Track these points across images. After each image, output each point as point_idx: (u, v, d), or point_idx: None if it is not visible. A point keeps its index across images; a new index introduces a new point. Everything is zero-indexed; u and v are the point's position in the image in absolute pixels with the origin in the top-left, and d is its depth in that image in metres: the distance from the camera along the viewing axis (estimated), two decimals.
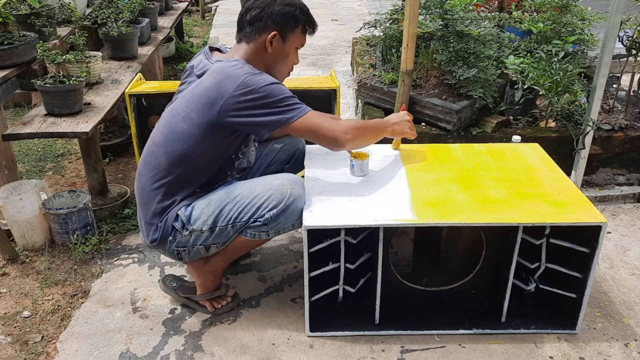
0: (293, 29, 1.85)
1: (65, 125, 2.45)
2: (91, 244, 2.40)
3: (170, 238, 1.86)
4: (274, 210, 1.78)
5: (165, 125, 1.84)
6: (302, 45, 1.93)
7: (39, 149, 3.48)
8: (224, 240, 1.86)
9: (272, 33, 1.82)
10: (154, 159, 1.85)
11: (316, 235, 1.79)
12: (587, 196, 1.91)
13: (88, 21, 3.45)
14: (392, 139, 2.21)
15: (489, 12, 3.63)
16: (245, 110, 1.72)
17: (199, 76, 1.82)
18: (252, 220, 1.80)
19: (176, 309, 2.06)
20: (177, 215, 1.84)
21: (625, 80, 3.17)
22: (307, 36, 1.92)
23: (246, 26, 1.84)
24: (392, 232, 1.88)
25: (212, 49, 1.91)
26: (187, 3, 5.88)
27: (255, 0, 1.84)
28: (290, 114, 1.75)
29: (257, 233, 1.83)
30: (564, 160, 2.72)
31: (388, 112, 3.01)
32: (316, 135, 1.80)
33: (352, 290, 1.93)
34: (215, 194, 1.85)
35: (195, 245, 1.87)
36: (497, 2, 3.92)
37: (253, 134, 1.82)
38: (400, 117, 2.03)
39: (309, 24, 1.89)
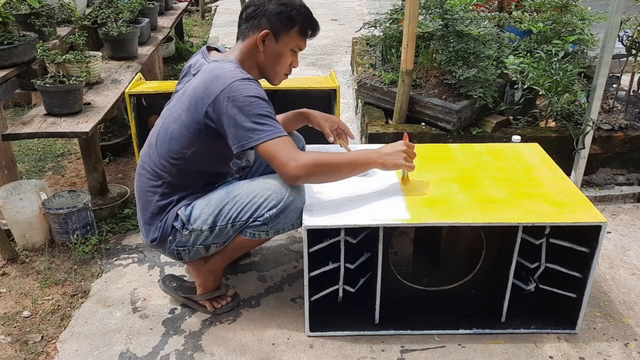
0: (287, 29, 1.80)
1: (65, 125, 2.45)
2: (91, 244, 2.40)
3: (170, 238, 1.86)
4: (274, 210, 1.78)
5: (161, 127, 1.84)
6: (301, 49, 1.87)
7: (39, 149, 3.48)
8: (223, 239, 1.87)
9: (264, 31, 1.78)
10: (151, 159, 1.85)
11: (316, 235, 1.78)
12: (587, 196, 1.91)
13: (88, 21, 3.44)
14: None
15: (489, 12, 3.63)
16: (222, 115, 1.68)
17: (195, 75, 1.82)
18: (251, 219, 1.80)
19: (176, 309, 2.06)
20: (177, 215, 1.84)
21: (625, 80, 3.17)
22: (308, 39, 1.87)
23: (243, 23, 1.83)
24: (392, 232, 1.88)
25: (209, 49, 1.90)
26: (187, 3, 5.88)
27: None
28: (257, 135, 1.67)
29: (256, 232, 1.83)
30: (564, 160, 2.72)
31: (388, 111, 3.02)
32: (272, 164, 1.73)
33: (352, 290, 1.92)
34: (215, 194, 1.85)
35: (195, 245, 1.87)
36: (497, 2, 3.92)
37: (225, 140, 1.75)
38: (395, 145, 1.85)
39: (307, 27, 1.83)
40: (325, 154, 1.78)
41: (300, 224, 1.79)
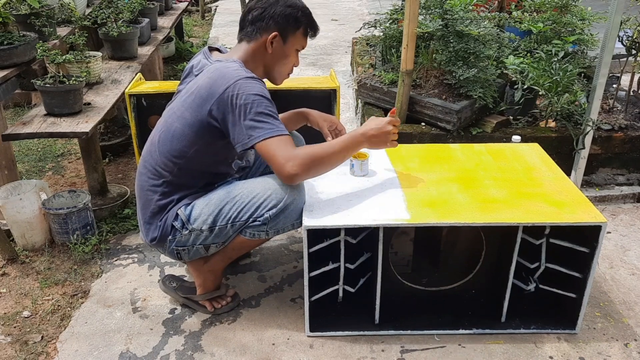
0: (294, 31, 1.84)
1: (65, 125, 2.45)
2: (91, 244, 2.40)
3: (170, 237, 1.86)
4: (273, 210, 1.78)
5: (163, 125, 1.85)
6: (303, 48, 1.91)
7: (39, 149, 3.48)
8: (223, 239, 1.87)
9: (273, 33, 1.81)
10: (152, 158, 1.85)
11: (316, 235, 1.78)
12: (587, 196, 1.91)
13: (88, 21, 3.45)
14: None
15: (488, 12, 3.63)
16: (224, 113, 1.70)
17: (198, 75, 1.82)
18: (251, 219, 1.80)
19: (176, 309, 2.06)
20: (177, 215, 1.84)
21: (625, 80, 3.17)
22: (308, 39, 1.91)
23: (248, 25, 1.83)
24: (392, 232, 1.88)
25: (211, 49, 1.91)
26: (187, 3, 5.88)
27: (258, 0, 1.83)
28: (256, 132, 1.67)
29: (256, 232, 1.83)
30: (564, 160, 2.72)
31: (387, 112, 3.01)
32: (270, 164, 1.72)
33: (352, 290, 1.93)
34: (215, 194, 1.85)
35: (195, 245, 1.87)
36: (497, 2, 3.92)
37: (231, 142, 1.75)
38: (380, 126, 1.82)
39: (310, 27, 1.88)
40: (316, 146, 1.77)
41: (300, 223, 1.80)
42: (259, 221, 1.79)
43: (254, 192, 1.80)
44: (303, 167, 1.70)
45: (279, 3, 1.81)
